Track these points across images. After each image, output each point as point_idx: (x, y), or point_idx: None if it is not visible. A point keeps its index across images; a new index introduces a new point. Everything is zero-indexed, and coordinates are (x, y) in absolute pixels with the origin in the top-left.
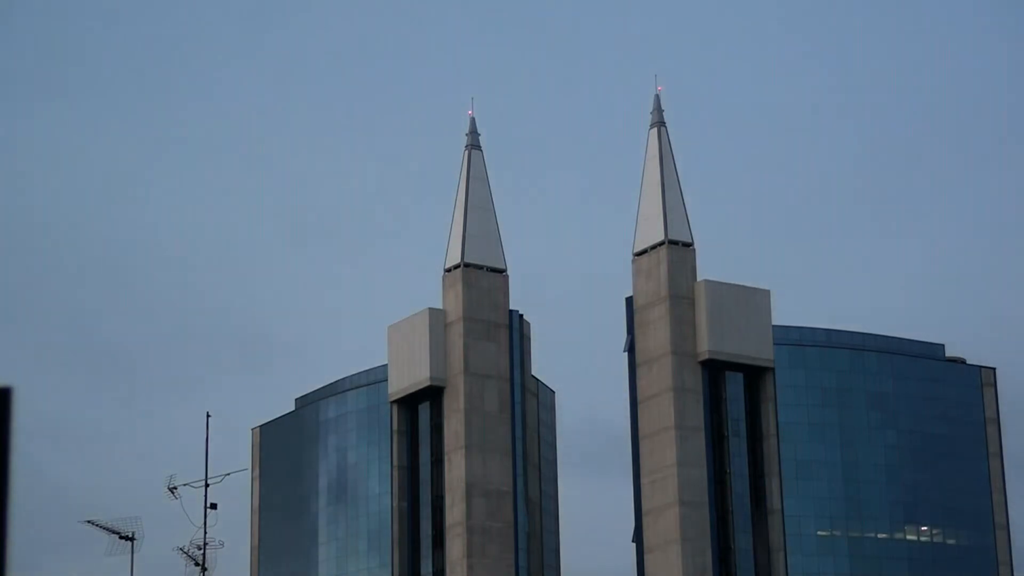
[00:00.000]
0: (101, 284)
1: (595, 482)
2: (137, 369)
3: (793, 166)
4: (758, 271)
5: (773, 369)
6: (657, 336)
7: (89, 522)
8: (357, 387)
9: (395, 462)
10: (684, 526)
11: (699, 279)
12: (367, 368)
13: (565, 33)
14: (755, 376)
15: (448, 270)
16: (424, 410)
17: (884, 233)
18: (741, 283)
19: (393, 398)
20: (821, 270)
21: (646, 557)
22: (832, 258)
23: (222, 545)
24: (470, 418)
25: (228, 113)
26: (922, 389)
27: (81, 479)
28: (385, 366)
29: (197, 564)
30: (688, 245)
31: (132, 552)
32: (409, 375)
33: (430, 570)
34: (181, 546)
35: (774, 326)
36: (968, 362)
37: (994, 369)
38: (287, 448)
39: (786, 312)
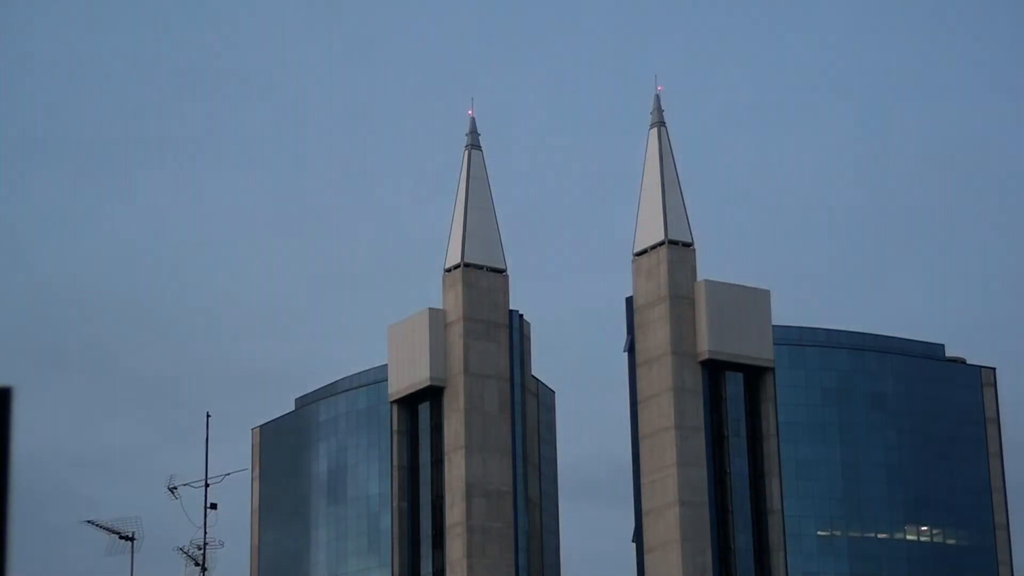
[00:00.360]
0: (100, 282)
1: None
2: (137, 368)
3: (793, 166)
4: (758, 271)
5: (773, 369)
6: (657, 336)
7: (89, 522)
8: (357, 387)
9: (395, 462)
10: (684, 526)
11: (699, 279)
12: (367, 368)
13: (565, 33)
14: (755, 376)
15: (448, 270)
16: (424, 410)
17: (884, 233)
18: (741, 283)
19: (393, 398)
20: (821, 270)
21: (646, 557)
22: (832, 258)
23: (222, 545)
24: (470, 418)
25: (228, 111)
26: (922, 389)
27: (81, 479)
28: (385, 366)
29: (197, 564)
30: (688, 245)
31: (132, 552)
32: (409, 375)
33: (430, 570)
34: (181, 546)
35: (774, 326)
36: (968, 362)
37: (994, 369)
38: (287, 448)
39: (786, 312)
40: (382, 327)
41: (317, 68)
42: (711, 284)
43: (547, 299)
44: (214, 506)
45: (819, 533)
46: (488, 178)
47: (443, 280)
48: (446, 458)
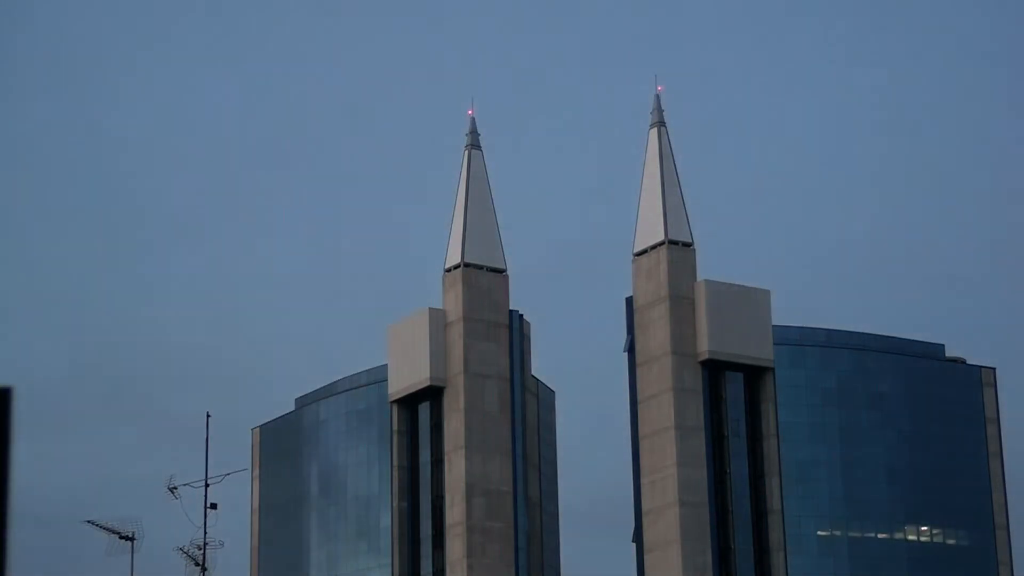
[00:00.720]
0: (98, 281)
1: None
2: (137, 368)
3: (793, 166)
4: (758, 271)
5: (773, 369)
6: (657, 336)
7: (89, 522)
8: (357, 387)
9: (395, 462)
10: (684, 526)
11: (699, 279)
12: (367, 368)
13: (565, 33)
14: (755, 376)
15: (448, 270)
16: (424, 410)
17: (884, 233)
18: (741, 283)
19: (393, 398)
20: (821, 270)
21: (646, 557)
22: (832, 258)
23: (222, 545)
24: (470, 418)
25: (227, 109)
26: (922, 389)
27: (82, 479)
28: (385, 366)
29: (197, 564)
30: (688, 245)
31: (132, 552)
32: (409, 375)
33: (430, 570)
34: (181, 546)
35: (774, 326)
36: (968, 362)
37: (994, 369)
38: (287, 448)
39: (786, 312)
40: (382, 327)
41: (317, 68)
42: (711, 284)
43: (547, 299)
44: (214, 506)
45: (819, 533)
46: (488, 178)
47: (443, 280)
48: (446, 458)
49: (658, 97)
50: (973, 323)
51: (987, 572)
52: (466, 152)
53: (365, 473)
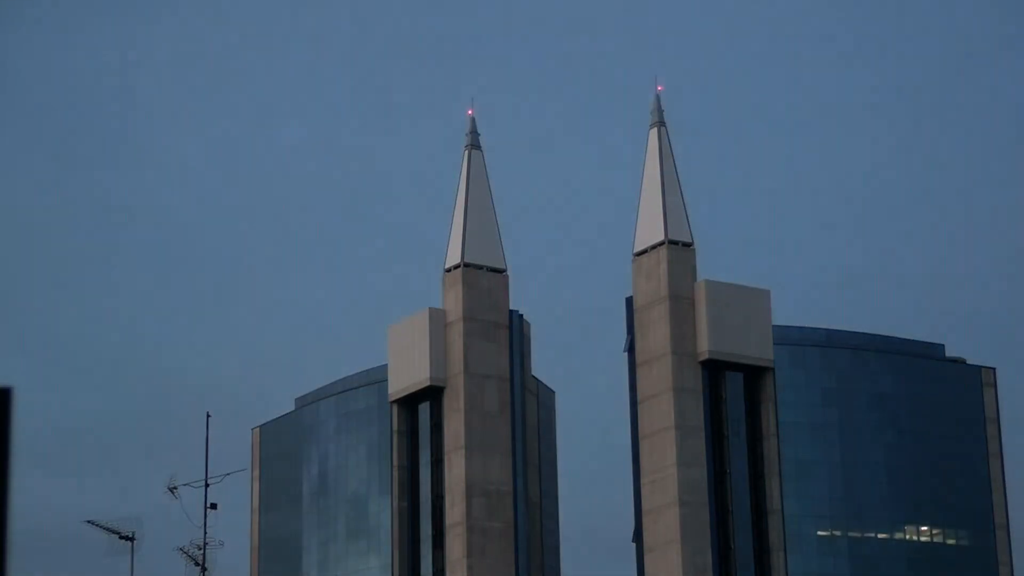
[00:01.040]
0: (97, 282)
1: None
2: (136, 368)
3: (793, 166)
4: (758, 271)
5: (773, 369)
6: (657, 336)
7: (89, 522)
8: (357, 387)
9: (395, 462)
10: (684, 526)
11: (699, 279)
12: (367, 368)
13: (565, 33)
14: (755, 376)
15: (448, 270)
16: (424, 410)
17: (884, 233)
18: (741, 283)
19: (393, 398)
20: (821, 270)
21: (646, 557)
22: (832, 258)
23: (222, 545)
24: (470, 418)
25: (228, 110)
26: (922, 389)
27: (81, 479)
28: (385, 366)
29: (197, 564)
30: (688, 245)
31: (132, 552)
32: (409, 375)
33: (430, 570)
34: (181, 546)
35: (774, 326)
36: (968, 362)
37: (994, 369)
38: (287, 448)
39: (786, 312)
40: (382, 327)
41: (317, 68)
42: (711, 284)
43: (547, 299)
44: (214, 506)
45: (819, 533)
46: (488, 178)
47: (443, 280)
48: (446, 458)
49: (658, 97)
50: (973, 323)
51: (987, 572)
52: (466, 152)
53: (365, 473)
